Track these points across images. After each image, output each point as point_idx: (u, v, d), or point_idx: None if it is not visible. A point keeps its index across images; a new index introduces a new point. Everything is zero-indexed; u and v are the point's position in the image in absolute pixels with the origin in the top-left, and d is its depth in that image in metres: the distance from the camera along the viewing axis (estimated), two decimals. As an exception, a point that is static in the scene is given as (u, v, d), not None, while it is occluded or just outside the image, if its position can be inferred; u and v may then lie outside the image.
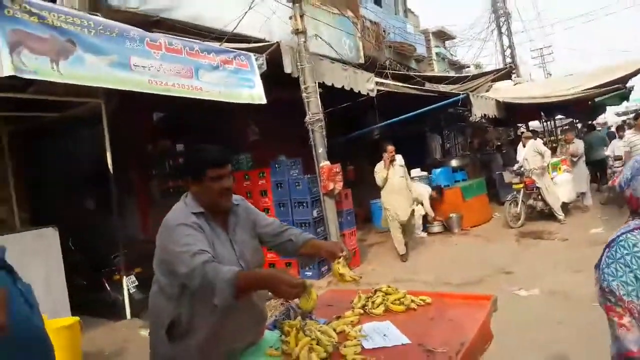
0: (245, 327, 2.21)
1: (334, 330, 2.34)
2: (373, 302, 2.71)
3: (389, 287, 2.86)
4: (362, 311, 2.66)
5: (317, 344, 2.15)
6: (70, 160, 7.63)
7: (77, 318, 3.60)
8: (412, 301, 2.71)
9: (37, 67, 3.80)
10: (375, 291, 2.84)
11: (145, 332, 5.61)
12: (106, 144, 5.95)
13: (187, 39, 5.64)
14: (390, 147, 7.75)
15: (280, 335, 2.33)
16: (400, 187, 7.91)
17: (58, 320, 3.23)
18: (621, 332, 1.65)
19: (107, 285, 6.30)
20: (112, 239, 6.58)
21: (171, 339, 2.10)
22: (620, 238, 1.71)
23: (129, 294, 6.04)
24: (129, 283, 6.06)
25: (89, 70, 4.21)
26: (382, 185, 7.90)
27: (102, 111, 5.92)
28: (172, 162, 8.42)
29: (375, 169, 7.98)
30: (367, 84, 7.97)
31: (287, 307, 2.58)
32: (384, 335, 2.28)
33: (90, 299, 6.36)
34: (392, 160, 7.81)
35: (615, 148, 10.12)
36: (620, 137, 10.05)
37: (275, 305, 3.11)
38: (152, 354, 2.25)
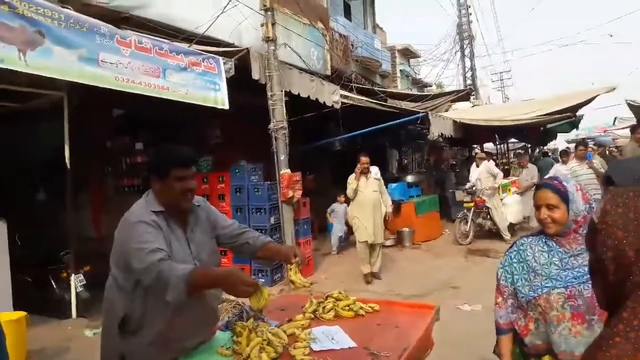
0: (196, 327, 2.27)
1: (285, 332, 2.43)
2: (324, 308, 2.82)
3: (340, 293, 2.98)
4: (312, 316, 2.75)
5: (267, 345, 2.23)
6: (24, 151, 7.41)
7: (24, 313, 3.53)
8: (361, 308, 2.83)
9: (4, 55, 3.74)
10: (327, 297, 2.95)
11: (90, 332, 5.51)
12: (65, 138, 5.83)
13: (156, 38, 5.63)
14: (364, 158, 7.31)
15: (232, 336, 2.40)
16: (374, 202, 7.26)
17: (4, 314, 3.15)
18: (495, 308, 2.25)
19: (53, 282, 6.13)
20: (62, 235, 6.42)
21: (122, 334, 2.14)
22: (519, 240, 2.23)
23: (76, 293, 5.90)
24: (77, 281, 5.92)
25: (56, 62, 4.17)
26: (352, 197, 7.36)
27: (64, 104, 5.81)
28: (129, 160, 8.30)
29: (348, 180, 7.48)
30: (332, 96, 8.14)
31: (240, 308, 2.65)
32: (332, 338, 2.39)
33: (35, 296, 6.15)
34: (363, 172, 7.31)
35: (557, 173, 10.23)
36: (564, 162, 9.71)
37: (227, 307, 3.17)
38: (102, 348, 2.28)
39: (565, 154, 10.02)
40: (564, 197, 1.99)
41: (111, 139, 8.32)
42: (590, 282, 1.84)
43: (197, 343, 2.32)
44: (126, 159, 8.22)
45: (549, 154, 20.27)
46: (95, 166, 8.28)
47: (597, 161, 8.42)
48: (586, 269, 1.93)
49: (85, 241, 7.40)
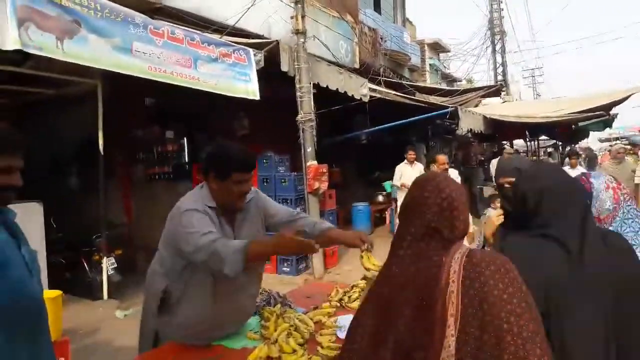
0: (230, 319, 2.33)
1: (311, 319, 2.47)
2: (349, 297, 2.85)
3: (366, 283, 3.00)
4: (338, 304, 2.79)
5: (295, 331, 2.28)
6: (60, 138, 7.63)
7: (59, 292, 3.66)
8: (387, 299, 2.85)
9: (43, 43, 3.86)
10: (352, 286, 2.99)
11: (120, 314, 5.67)
12: (99, 125, 5.98)
13: (188, 29, 5.72)
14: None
15: (260, 321, 2.46)
16: None
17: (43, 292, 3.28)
18: None
19: (85, 265, 6.33)
20: (95, 220, 6.61)
21: (160, 312, 2.21)
22: None
23: (108, 275, 6.07)
24: (108, 264, 6.09)
25: (91, 51, 4.28)
26: None
27: (98, 92, 5.96)
28: (160, 149, 8.46)
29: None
30: (360, 89, 8.12)
31: (267, 294, 2.71)
32: (358, 327, 2.41)
33: (68, 277, 6.38)
34: None
35: None
36: (572, 166, 8.97)
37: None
38: (141, 325, 2.37)
39: (574, 154, 9.38)
40: (588, 194, 1.98)
41: (143, 127, 8.49)
42: None
43: (237, 328, 2.38)
44: (157, 148, 8.39)
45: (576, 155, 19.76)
46: (127, 154, 8.48)
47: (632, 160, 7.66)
48: None
49: (116, 226, 7.60)
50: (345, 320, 2.50)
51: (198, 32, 5.86)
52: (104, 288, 6.02)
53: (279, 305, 2.62)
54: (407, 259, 1.37)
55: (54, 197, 6.75)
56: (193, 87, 5.43)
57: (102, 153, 6.05)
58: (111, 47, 4.50)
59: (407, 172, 8.65)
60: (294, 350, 2.08)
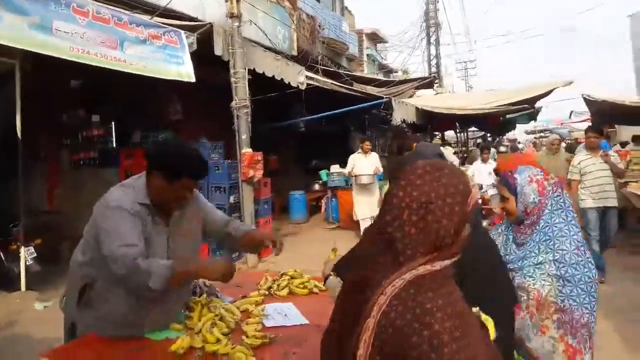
0: (153, 319, 2.23)
1: (238, 308, 2.46)
2: (278, 285, 2.85)
3: (295, 271, 3.02)
4: (267, 292, 2.79)
5: (220, 320, 2.25)
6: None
7: (-31, 284, 3.42)
8: (316, 286, 2.88)
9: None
10: (282, 275, 2.99)
11: (40, 306, 5.39)
12: (17, 107, 5.59)
13: (115, 8, 5.44)
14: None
15: (185, 311, 2.41)
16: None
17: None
18: None
19: (1, 254, 5.95)
20: (12, 207, 6.20)
21: (79, 303, 2.13)
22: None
23: (26, 266, 5.73)
24: (26, 254, 5.75)
25: (7, 29, 3.99)
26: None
27: (16, 72, 5.55)
28: (86, 133, 8.04)
29: None
30: (297, 77, 8.10)
31: (194, 284, 2.66)
32: (285, 315, 2.43)
33: (-18, 268, 5.97)
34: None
35: (478, 173, 9.09)
36: (484, 160, 9.36)
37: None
38: (64, 316, 2.29)
39: (486, 149, 9.79)
40: (513, 189, 2.08)
41: (67, 111, 8.03)
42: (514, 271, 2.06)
43: (166, 322, 2.29)
44: (82, 133, 7.96)
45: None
46: (50, 138, 8.00)
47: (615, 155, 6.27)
48: (521, 258, 2.08)
49: (37, 214, 7.18)
50: (272, 308, 2.51)
51: (126, 12, 5.59)
52: (21, 279, 5.68)
53: (204, 295, 2.58)
54: (356, 268, 1.18)
55: (-34, 182, 6.28)
56: (119, 69, 5.19)
57: (19, 137, 5.66)
58: (29, 25, 4.21)
59: (360, 162, 8.85)
60: (218, 340, 2.06)
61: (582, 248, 2.01)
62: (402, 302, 1.01)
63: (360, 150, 9.05)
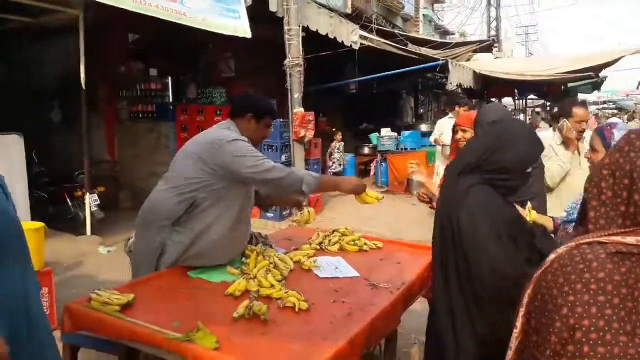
0: (237, 245, 2.56)
1: (291, 259, 2.54)
2: (329, 241, 2.92)
3: (345, 228, 3.08)
4: (318, 247, 2.86)
5: (274, 268, 2.34)
6: (40, 69, 7.41)
7: (42, 223, 3.67)
8: (365, 244, 2.94)
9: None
10: (333, 231, 3.06)
11: (104, 249, 5.74)
12: (81, 58, 5.80)
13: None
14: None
15: (241, 257, 2.52)
16: None
17: (25, 223, 3.28)
18: None
19: (68, 200, 6.32)
20: (76, 155, 6.55)
21: (175, 223, 2.38)
22: None
23: (90, 212, 6.08)
24: (91, 200, 6.09)
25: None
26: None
27: (80, 23, 5.73)
28: (143, 86, 8.27)
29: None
30: (351, 35, 7.96)
31: (251, 233, 2.76)
32: (336, 267, 2.49)
33: (51, 212, 6.38)
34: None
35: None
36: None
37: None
38: (142, 241, 2.48)
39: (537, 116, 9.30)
40: (607, 142, 1.98)
41: (126, 63, 8.27)
42: None
43: (235, 256, 2.56)
44: (140, 85, 8.20)
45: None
46: (110, 90, 8.30)
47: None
48: None
49: (98, 164, 7.55)
50: (324, 261, 2.58)
51: (186, -35, 5.60)
52: (87, 224, 6.04)
53: (260, 244, 2.68)
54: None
55: (35, 130, 6.64)
56: (179, 22, 5.25)
57: (84, 87, 5.90)
58: (94, -25, 4.31)
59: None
60: (272, 285, 2.14)
61: None
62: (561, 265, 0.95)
63: (451, 115, 7.23)
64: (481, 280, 1.67)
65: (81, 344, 2.29)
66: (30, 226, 3.33)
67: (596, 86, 16.52)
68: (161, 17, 5.05)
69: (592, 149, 2.06)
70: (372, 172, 10.99)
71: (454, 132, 3.15)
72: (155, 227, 2.40)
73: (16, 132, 5.52)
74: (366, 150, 11.84)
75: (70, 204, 6.28)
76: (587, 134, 3.28)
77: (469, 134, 2.99)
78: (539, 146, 1.88)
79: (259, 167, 2.34)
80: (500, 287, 1.63)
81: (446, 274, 1.79)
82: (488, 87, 13.81)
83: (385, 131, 10.47)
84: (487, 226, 1.69)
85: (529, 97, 19.90)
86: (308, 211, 2.96)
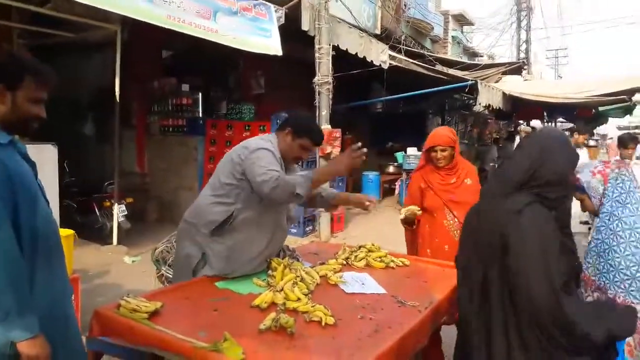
0: (271, 249, 2.57)
1: (317, 273, 2.52)
2: (356, 257, 2.89)
3: (372, 245, 3.04)
4: (344, 262, 2.83)
5: (300, 281, 2.32)
6: (77, 83, 7.63)
7: (72, 231, 3.74)
8: (392, 261, 2.90)
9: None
10: (360, 247, 3.03)
11: (129, 259, 5.81)
12: (116, 72, 5.97)
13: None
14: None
15: (268, 270, 2.51)
16: None
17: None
18: None
19: (97, 210, 6.44)
20: (107, 167, 6.69)
21: (214, 233, 2.41)
22: None
23: (118, 222, 6.18)
24: (119, 211, 6.19)
25: (110, -4, 4.23)
26: None
27: (117, 38, 5.92)
28: (175, 101, 8.44)
29: None
30: (380, 55, 7.99)
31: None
32: (362, 283, 2.46)
33: (79, 221, 6.50)
34: None
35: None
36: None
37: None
38: (181, 249, 2.57)
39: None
40: (581, 189, 2.30)
41: (159, 78, 8.47)
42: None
43: (259, 263, 2.55)
44: (172, 100, 8.36)
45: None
46: (142, 104, 8.49)
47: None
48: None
49: (128, 175, 7.69)
50: (350, 276, 2.55)
51: (220, -17, 5.74)
52: (113, 234, 6.14)
53: (287, 258, 2.67)
54: None
55: (68, 141, 6.81)
56: (211, 39, 5.35)
57: (118, 100, 6.06)
58: (129, -8, 4.44)
59: None
60: (299, 299, 2.12)
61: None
62: None
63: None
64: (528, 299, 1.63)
65: (105, 351, 2.30)
66: (61, 233, 3.39)
67: (628, 110, 16.08)
68: (193, 34, 5.15)
69: (581, 202, 2.37)
70: (396, 191, 10.92)
71: (432, 151, 3.18)
72: (196, 232, 2.47)
73: (51, 142, 5.68)
74: (391, 169, 11.81)
75: (98, 213, 6.40)
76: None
77: (447, 153, 3.10)
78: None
79: (261, 177, 2.30)
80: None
81: (486, 291, 1.74)
82: (517, 109, 13.65)
83: (412, 150, 10.43)
84: (538, 247, 1.66)
85: (558, 120, 19.59)
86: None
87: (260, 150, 2.41)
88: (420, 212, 3.19)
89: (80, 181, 7.00)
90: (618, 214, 2.12)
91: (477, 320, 1.78)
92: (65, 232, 3.53)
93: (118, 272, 5.36)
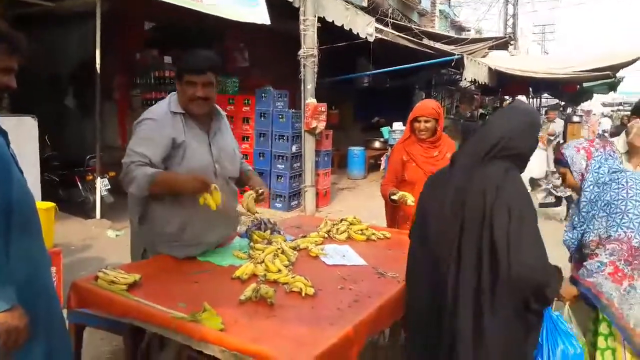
0: (212, 225, 2.38)
1: (299, 246, 2.53)
2: (337, 229, 2.91)
3: (354, 218, 3.06)
4: (326, 235, 2.85)
5: (281, 254, 2.33)
6: (56, 54, 7.44)
7: (53, 204, 3.70)
8: (373, 234, 2.92)
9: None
10: (341, 220, 3.04)
11: (112, 233, 5.77)
12: (97, 43, 5.82)
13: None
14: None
15: (249, 243, 2.51)
16: None
17: (36, 203, 3.31)
18: None
19: (79, 183, 6.36)
20: (89, 140, 6.58)
21: (142, 228, 2.32)
22: None
23: (101, 196, 6.12)
24: (101, 185, 6.12)
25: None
26: None
27: (97, 8, 5.74)
28: (157, 74, 8.29)
29: None
30: (366, 28, 7.89)
31: (259, 220, 2.75)
32: (343, 256, 2.48)
33: (61, 195, 6.42)
34: None
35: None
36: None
37: (245, 221, 3.33)
38: (131, 244, 2.49)
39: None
40: (564, 162, 2.25)
41: (141, 51, 8.29)
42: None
43: (216, 240, 2.45)
44: (154, 73, 8.21)
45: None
46: (124, 77, 8.32)
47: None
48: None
49: (110, 149, 7.58)
50: (331, 248, 2.57)
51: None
52: (96, 207, 6.08)
53: (268, 231, 2.67)
54: None
55: (49, 114, 6.68)
56: (195, 8, 5.25)
57: (98, 73, 5.92)
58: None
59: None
60: (279, 270, 2.14)
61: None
62: None
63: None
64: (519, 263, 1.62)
65: (87, 323, 2.30)
66: (41, 206, 3.35)
67: (613, 87, 16.26)
68: (177, 3, 5.04)
69: (562, 176, 2.33)
70: (382, 166, 10.95)
71: (415, 121, 3.19)
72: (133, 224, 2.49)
73: (30, 115, 5.57)
74: (377, 144, 11.80)
75: (80, 187, 6.31)
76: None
77: (430, 124, 3.12)
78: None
79: (123, 159, 2.26)
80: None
81: (458, 256, 1.74)
82: (503, 84, 13.67)
83: (398, 125, 10.41)
84: (533, 218, 1.69)
85: (543, 95, 19.69)
86: (247, 195, 2.47)
87: (139, 125, 2.32)
88: (413, 204, 3.11)
89: (61, 155, 6.88)
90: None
91: (440, 287, 1.77)
92: (45, 205, 3.50)
93: (101, 246, 5.33)
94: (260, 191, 2.48)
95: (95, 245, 5.36)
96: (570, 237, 2.26)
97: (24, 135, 5.34)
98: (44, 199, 5.48)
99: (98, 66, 5.89)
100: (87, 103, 6.87)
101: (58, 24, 7.22)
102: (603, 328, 2.07)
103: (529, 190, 7.51)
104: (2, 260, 1.59)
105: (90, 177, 6.24)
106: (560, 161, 2.29)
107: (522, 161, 1.82)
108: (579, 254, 2.26)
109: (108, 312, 1.91)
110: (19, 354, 1.63)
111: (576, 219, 2.23)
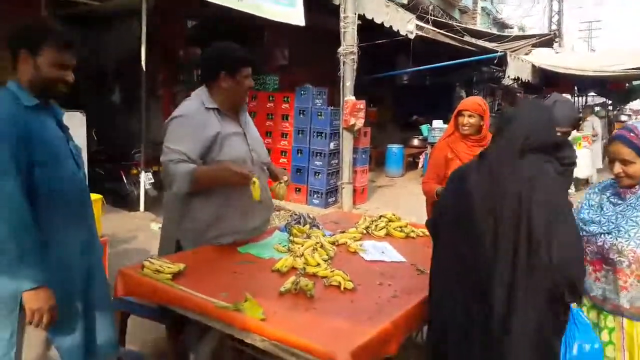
0: (248, 211, 2.44)
1: (337, 241, 2.55)
2: (376, 226, 2.91)
3: (393, 214, 3.05)
4: (364, 231, 2.85)
5: (320, 248, 2.36)
6: (104, 51, 7.70)
7: (100, 195, 3.85)
8: (413, 231, 2.90)
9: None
10: (380, 217, 3.04)
11: (155, 226, 5.93)
12: (142, 41, 6.00)
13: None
14: None
15: (289, 237, 2.55)
16: None
17: (85, 194, 3.48)
18: None
19: (124, 177, 6.57)
20: (134, 135, 6.78)
21: (176, 217, 2.41)
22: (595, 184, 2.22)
23: (145, 189, 6.31)
24: (146, 179, 6.31)
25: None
26: None
27: (142, 8, 5.92)
28: (199, 72, 8.47)
29: None
30: (407, 25, 7.82)
31: (299, 215, 2.79)
32: (382, 252, 2.48)
33: (107, 188, 6.64)
34: None
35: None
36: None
37: (285, 215, 3.37)
38: (161, 237, 2.61)
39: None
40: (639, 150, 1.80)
41: (184, 48, 8.49)
42: (610, 233, 1.84)
43: (252, 227, 2.51)
44: (197, 71, 8.39)
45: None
46: (168, 74, 8.54)
47: None
48: (616, 214, 1.88)
49: (154, 144, 7.79)
50: (370, 244, 2.57)
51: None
52: (140, 201, 6.27)
53: (307, 225, 2.70)
54: None
55: (97, 110, 6.92)
56: (234, 7, 5.32)
57: (144, 69, 6.11)
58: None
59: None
60: (318, 264, 2.16)
61: None
62: None
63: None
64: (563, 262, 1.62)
65: (132, 311, 2.39)
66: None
67: (664, 86, 15.52)
68: (217, 2, 5.12)
69: (624, 161, 1.83)
70: (420, 165, 10.84)
71: (460, 115, 3.14)
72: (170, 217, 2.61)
73: (79, 110, 5.79)
74: (415, 142, 11.68)
75: (125, 181, 6.51)
76: None
77: (474, 120, 3.06)
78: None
79: (162, 157, 2.31)
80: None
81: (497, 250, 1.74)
82: (547, 82, 13.27)
83: (438, 123, 10.28)
84: (569, 211, 1.71)
85: (589, 94, 19.00)
86: (279, 186, 2.60)
87: (171, 122, 2.36)
88: None
89: (108, 149, 7.12)
90: None
91: (471, 282, 1.76)
92: (93, 197, 3.62)
93: (145, 238, 5.49)
94: (285, 179, 2.61)
95: (139, 237, 5.53)
96: None
97: (73, 130, 5.47)
98: (91, 191, 5.71)
99: (143, 63, 6.07)
100: (132, 99, 7.09)
101: (105, 22, 7.48)
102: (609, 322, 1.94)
103: (574, 191, 7.25)
104: (31, 240, 1.65)
105: (135, 171, 6.43)
106: (632, 144, 1.81)
107: (556, 150, 1.80)
108: None
109: (153, 300, 1.98)
110: (53, 330, 1.72)
111: None
